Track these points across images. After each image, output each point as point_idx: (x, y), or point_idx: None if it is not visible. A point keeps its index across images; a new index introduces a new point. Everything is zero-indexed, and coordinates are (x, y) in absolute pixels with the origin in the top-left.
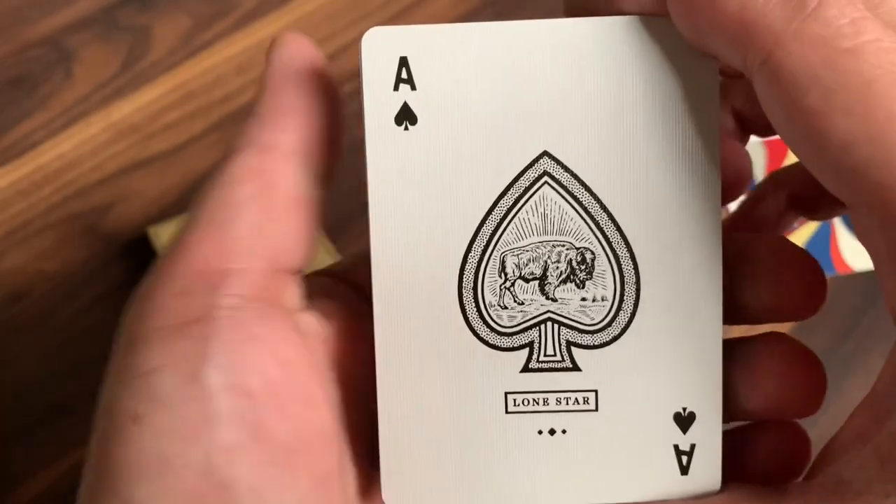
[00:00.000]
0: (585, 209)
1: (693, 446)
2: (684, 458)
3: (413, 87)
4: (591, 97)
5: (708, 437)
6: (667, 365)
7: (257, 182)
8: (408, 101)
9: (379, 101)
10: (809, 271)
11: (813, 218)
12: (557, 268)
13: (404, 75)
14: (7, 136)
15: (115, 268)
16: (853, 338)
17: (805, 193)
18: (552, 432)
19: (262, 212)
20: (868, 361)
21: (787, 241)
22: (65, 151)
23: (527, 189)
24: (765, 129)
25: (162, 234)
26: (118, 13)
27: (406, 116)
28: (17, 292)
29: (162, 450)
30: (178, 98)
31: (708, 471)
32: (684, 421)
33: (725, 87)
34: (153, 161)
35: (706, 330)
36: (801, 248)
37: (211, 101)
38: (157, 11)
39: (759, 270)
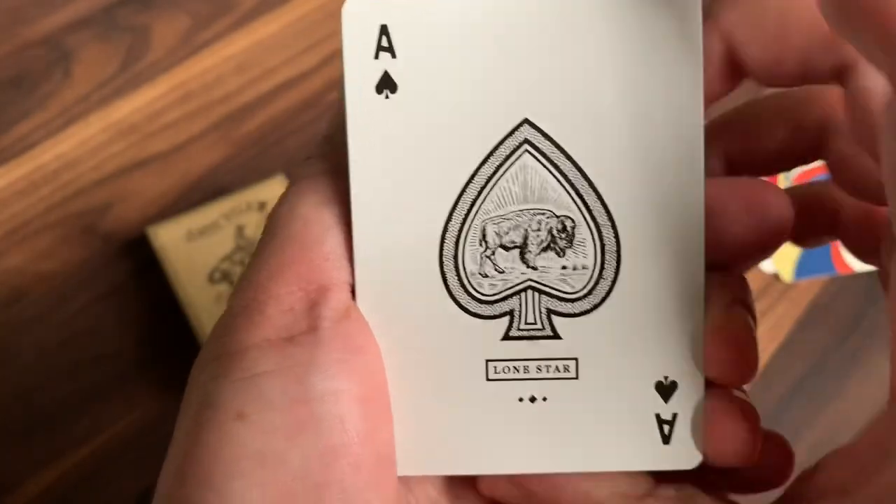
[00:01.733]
0: (566, 177)
1: (675, 415)
2: (666, 428)
3: (393, 56)
4: (573, 64)
5: (690, 407)
6: (648, 333)
7: (344, 204)
8: (388, 70)
9: (359, 70)
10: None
11: (800, 244)
12: (538, 236)
13: (385, 43)
14: (6, 136)
15: (114, 268)
16: (853, 338)
17: (796, 224)
18: (533, 400)
19: (348, 232)
20: (868, 361)
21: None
22: (64, 151)
23: (507, 157)
24: (756, 173)
25: (160, 234)
26: (117, 13)
27: (386, 85)
28: (16, 292)
29: (263, 447)
30: (178, 98)
31: (689, 440)
32: (666, 390)
33: (714, 130)
34: (152, 161)
35: (687, 299)
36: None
37: (210, 101)
38: (157, 11)
39: None
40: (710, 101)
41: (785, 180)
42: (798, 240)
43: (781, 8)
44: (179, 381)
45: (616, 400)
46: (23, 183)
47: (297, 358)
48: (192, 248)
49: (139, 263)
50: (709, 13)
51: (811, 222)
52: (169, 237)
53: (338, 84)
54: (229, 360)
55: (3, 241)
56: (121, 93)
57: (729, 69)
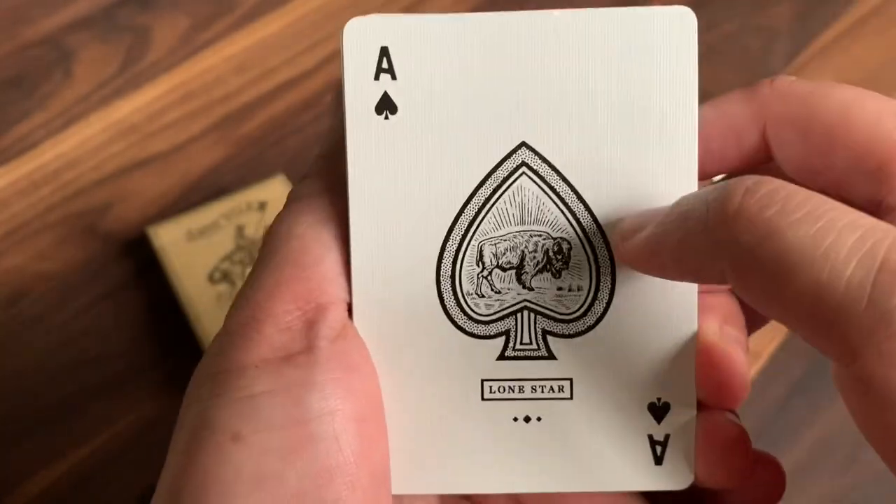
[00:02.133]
0: (562, 200)
1: (667, 436)
2: (658, 448)
3: (394, 77)
4: (570, 89)
5: (682, 428)
6: (641, 355)
7: (341, 223)
8: (388, 91)
9: (360, 91)
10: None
11: None
12: (534, 257)
13: (385, 65)
14: (6, 136)
15: (114, 268)
16: None
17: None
18: (527, 419)
19: (346, 251)
20: None
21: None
22: (64, 151)
23: (505, 179)
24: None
25: (161, 234)
26: (118, 13)
27: (386, 106)
28: (17, 292)
29: (259, 468)
30: (178, 98)
31: (681, 461)
32: (658, 411)
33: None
34: (152, 161)
35: (680, 320)
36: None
37: (210, 101)
38: (157, 11)
39: None
40: (724, 169)
41: None
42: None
43: (831, 125)
44: (179, 381)
45: (609, 420)
46: (23, 183)
47: (294, 378)
48: (192, 248)
49: (139, 263)
50: (754, 93)
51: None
52: (169, 237)
53: (337, 84)
54: (226, 379)
55: (4, 240)
56: (121, 93)
57: (755, 152)
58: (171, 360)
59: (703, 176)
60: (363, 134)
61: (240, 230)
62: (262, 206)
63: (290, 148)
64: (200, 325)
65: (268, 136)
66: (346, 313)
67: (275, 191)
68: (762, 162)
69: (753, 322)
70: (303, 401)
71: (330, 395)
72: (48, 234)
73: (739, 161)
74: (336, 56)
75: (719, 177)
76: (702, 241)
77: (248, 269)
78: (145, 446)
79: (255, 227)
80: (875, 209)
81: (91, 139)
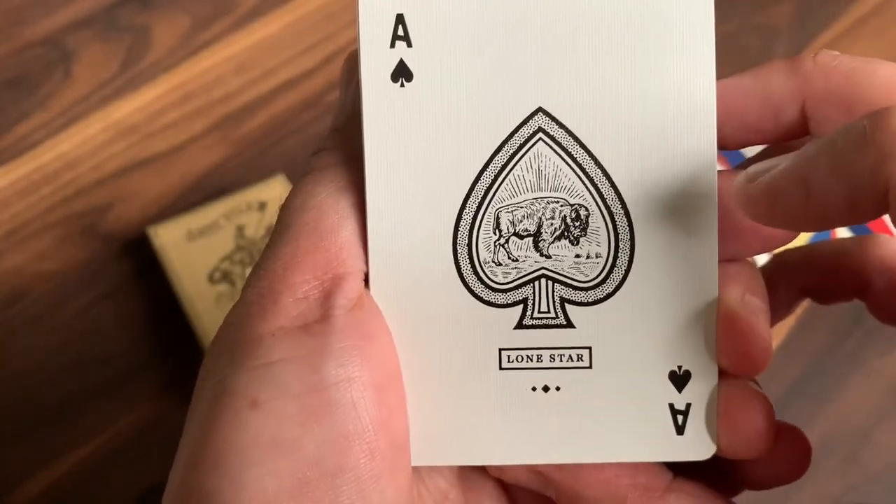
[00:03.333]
0: (580, 165)
1: (688, 406)
2: (679, 418)
3: (409, 45)
4: (587, 53)
5: (703, 397)
6: (661, 322)
7: (358, 193)
8: (404, 58)
9: (375, 58)
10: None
11: (825, 303)
12: (552, 224)
13: (401, 32)
14: (7, 136)
15: (115, 268)
16: (854, 337)
17: (821, 286)
18: (546, 389)
19: (362, 220)
20: (868, 361)
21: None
22: (64, 151)
23: (521, 145)
24: (832, 299)
25: (161, 234)
26: (118, 13)
27: (402, 73)
28: (17, 292)
29: (277, 434)
30: (178, 98)
31: (703, 431)
32: (679, 379)
33: (792, 267)
34: (152, 161)
35: (701, 288)
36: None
37: (210, 101)
38: (157, 11)
39: None
40: (758, 141)
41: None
42: (821, 298)
43: (875, 103)
44: (179, 382)
45: (629, 389)
46: (23, 183)
47: (310, 346)
48: (192, 248)
49: (139, 263)
50: (796, 66)
51: (835, 280)
52: (169, 237)
53: (338, 84)
54: (244, 348)
55: (4, 241)
56: (121, 93)
57: (793, 126)
58: (171, 360)
59: (737, 146)
60: (379, 102)
61: (240, 230)
62: (262, 206)
63: (290, 148)
64: (200, 325)
65: (268, 136)
66: (363, 283)
67: (275, 191)
68: (798, 136)
69: (774, 313)
70: (320, 368)
71: (347, 362)
72: (48, 234)
73: (775, 135)
74: (337, 56)
75: (753, 149)
76: (860, 161)
77: (248, 270)
78: (145, 446)
79: (255, 227)
80: None
81: (91, 139)
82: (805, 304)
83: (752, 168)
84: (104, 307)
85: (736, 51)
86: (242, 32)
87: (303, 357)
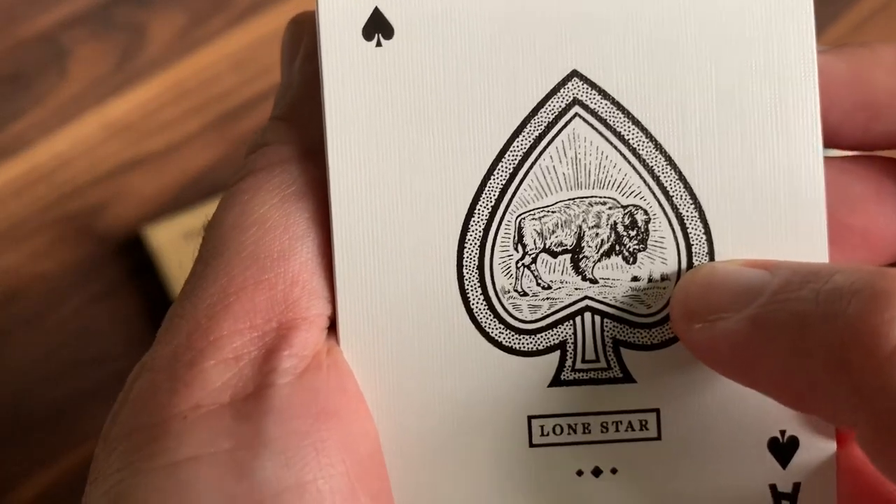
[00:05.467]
0: (634, 151)
1: (797, 486)
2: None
3: None
4: None
5: (817, 473)
6: None
7: (317, 200)
8: (380, 7)
9: (339, 7)
10: None
11: None
12: (597, 235)
13: None
14: (1, 135)
15: (110, 268)
16: None
17: None
18: (597, 472)
19: (324, 240)
20: None
21: None
22: (59, 150)
23: (550, 125)
24: None
25: (157, 234)
26: (114, 10)
27: (378, 27)
28: (12, 293)
29: None
30: (174, 96)
31: None
32: (783, 450)
33: None
34: (148, 160)
35: None
36: None
37: (207, 99)
38: (153, 8)
39: None
40: (839, 145)
41: None
42: None
43: None
44: None
45: (714, 468)
46: (18, 183)
47: (238, 435)
48: (188, 248)
49: (135, 263)
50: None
51: None
52: (165, 237)
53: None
54: (143, 440)
55: None
56: (117, 91)
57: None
58: None
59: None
60: (345, 69)
61: None
62: None
63: None
64: None
65: None
66: (324, 332)
67: None
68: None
69: None
70: (251, 470)
71: (293, 459)
72: (43, 234)
73: (861, 142)
74: None
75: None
76: (830, 376)
77: None
78: None
79: None
80: None
81: (87, 138)
82: None
83: (691, 296)
84: (99, 308)
85: None
86: (239, 29)
87: (226, 453)
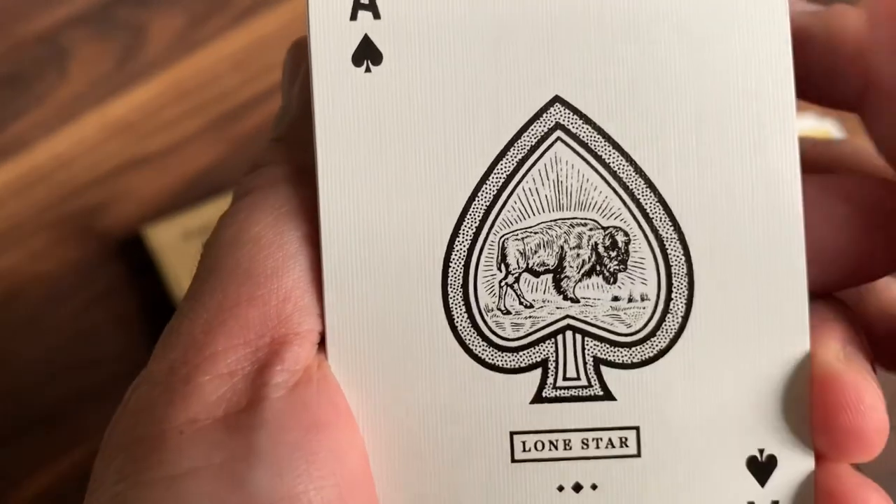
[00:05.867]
0: (615, 174)
1: None
2: None
3: (376, 15)
4: (620, 24)
5: (796, 491)
6: (734, 390)
7: (310, 222)
8: (369, 34)
9: (330, 34)
10: None
11: None
12: (578, 255)
13: None
14: (1, 135)
15: (110, 268)
16: None
17: None
18: (577, 488)
19: (315, 259)
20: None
21: None
22: (59, 151)
23: (533, 148)
24: None
25: (157, 235)
26: (114, 10)
27: (367, 54)
28: (12, 293)
29: None
30: (174, 96)
31: None
32: (762, 468)
33: None
34: (149, 160)
35: (786, 340)
36: None
37: (207, 99)
38: (153, 8)
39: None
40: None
41: None
42: None
43: None
44: None
45: (693, 485)
46: (18, 183)
47: (233, 448)
48: (189, 248)
49: (135, 264)
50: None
51: None
52: (166, 237)
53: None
54: (139, 453)
55: None
56: (117, 91)
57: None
58: None
59: None
60: (336, 94)
61: None
62: None
63: None
64: None
65: (265, 134)
66: (314, 347)
67: None
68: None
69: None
70: (244, 482)
71: (286, 470)
72: (43, 234)
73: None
74: None
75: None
76: None
77: None
78: None
79: None
80: None
81: (87, 138)
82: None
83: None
84: (99, 308)
85: None
86: (239, 30)
87: (221, 466)
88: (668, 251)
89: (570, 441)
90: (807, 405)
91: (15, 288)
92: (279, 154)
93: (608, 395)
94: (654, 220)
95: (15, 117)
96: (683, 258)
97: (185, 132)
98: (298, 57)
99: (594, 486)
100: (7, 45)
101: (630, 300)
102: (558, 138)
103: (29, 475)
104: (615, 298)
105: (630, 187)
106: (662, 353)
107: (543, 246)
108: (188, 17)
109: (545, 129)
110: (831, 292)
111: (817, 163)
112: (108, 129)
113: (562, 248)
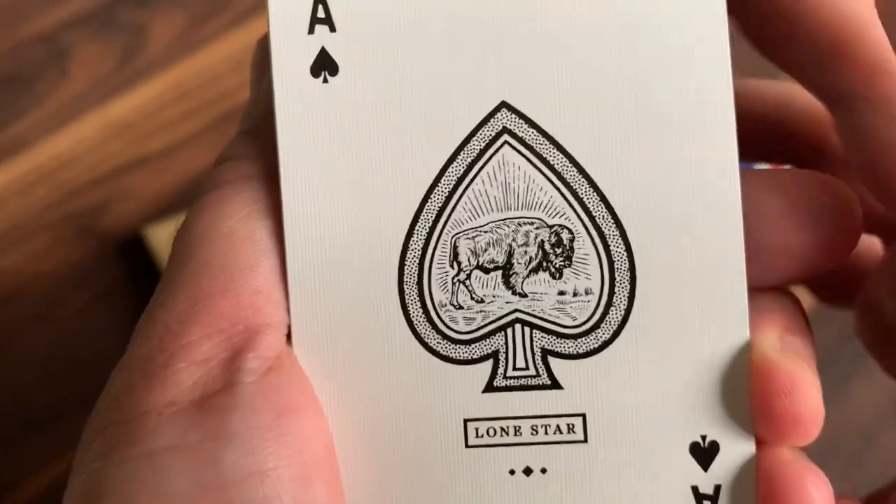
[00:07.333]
0: (559, 175)
1: (717, 488)
2: None
3: (332, 29)
4: (562, 31)
5: (737, 475)
6: (676, 378)
7: (278, 218)
8: (326, 47)
9: (290, 48)
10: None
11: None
12: (525, 253)
13: (321, 13)
14: (1, 135)
15: (111, 269)
16: (855, 341)
17: None
18: (528, 472)
19: (284, 257)
20: (870, 365)
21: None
22: (60, 151)
23: (482, 152)
24: None
25: (158, 235)
26: (114, 10)
27: (324, 66)
28: (12, 293)
29: None
30: (175, 96)
31: None
32: (704, 454)
33: None
34: (149, 160)
35: (725, 329)
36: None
37: (207, 100)
38: (154, 9)
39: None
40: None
41: None
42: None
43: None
44: None
45: (638, 470)
46: (19, 183)
47: (208, 428)
48: None
49: (136, 264)
50: None
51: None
52: (166, 237)
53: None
54: (120, 432)
55: None
56: (117, 91)
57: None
58: None
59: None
60: (296, 103)
61: None
62: None
63: None
64: None
65: None
66: (284, 337)
67: None
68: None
69: None
70: (219, 458)
71: (257, 448)
72: (43, 234)
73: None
74: None
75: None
76: None
77: None
78: None
79: None
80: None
81: (87, 138)
82: (807, 307)
83: None
84: (101, 308)
85: (735, 50)
86: (239, 30)
87: (196, 444)
88: (611, 247)
89: (520, 428)
90: (746, 392)
91: (15, 287)
92: (249, 148)
93: (555, 384)
94: (596, 219)
95: (15, 117)
96: (625, 254)
97: (185, 132)
98: (266, 51)
99: (543, 470)
100: (7, 46)
101: (575, 294)
102: (505, 142)
103: (29, 475)
104: (561, 293)
105: (574, 187)
106: (606, 344)
107: (493, 244)
108: (188, 18)
109: (493, 134)
110: (778, 286)
111: (749, 112)
112: (109, 129)
113: (510, 245)
